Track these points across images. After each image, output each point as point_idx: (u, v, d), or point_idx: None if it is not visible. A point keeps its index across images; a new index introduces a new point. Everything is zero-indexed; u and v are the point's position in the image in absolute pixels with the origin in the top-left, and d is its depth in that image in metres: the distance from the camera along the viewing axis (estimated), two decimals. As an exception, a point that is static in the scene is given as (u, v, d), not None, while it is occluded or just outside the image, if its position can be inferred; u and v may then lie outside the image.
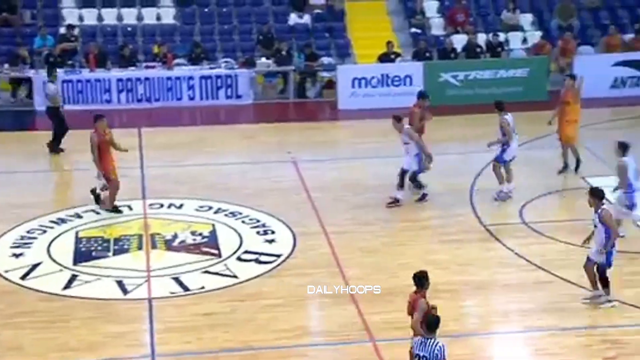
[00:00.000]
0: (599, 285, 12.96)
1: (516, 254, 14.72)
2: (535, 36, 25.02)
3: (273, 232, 15.75)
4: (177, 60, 23.92)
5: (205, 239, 15.53)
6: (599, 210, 12.76)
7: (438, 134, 19.81)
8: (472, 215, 16.29)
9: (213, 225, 16.01)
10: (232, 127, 22.25)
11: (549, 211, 16.53)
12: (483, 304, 13.33)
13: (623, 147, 14.83)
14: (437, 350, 9.72)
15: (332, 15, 26.11)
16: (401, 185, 16.54)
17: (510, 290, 13.66)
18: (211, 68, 23.62)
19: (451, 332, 12.38)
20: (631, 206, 14.76)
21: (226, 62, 23.89)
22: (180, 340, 12.35)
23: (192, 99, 23.36)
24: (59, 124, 19.92)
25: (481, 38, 24.63)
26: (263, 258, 14.80)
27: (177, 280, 14.09)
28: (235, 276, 14.21)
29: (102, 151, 16.23)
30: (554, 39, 24.57)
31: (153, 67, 23.43)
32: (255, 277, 14.19)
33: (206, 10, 26.32)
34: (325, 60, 24.38)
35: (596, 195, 12.90)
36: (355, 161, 19.39)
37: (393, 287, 13.68)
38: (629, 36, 24.64)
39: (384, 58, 23.78)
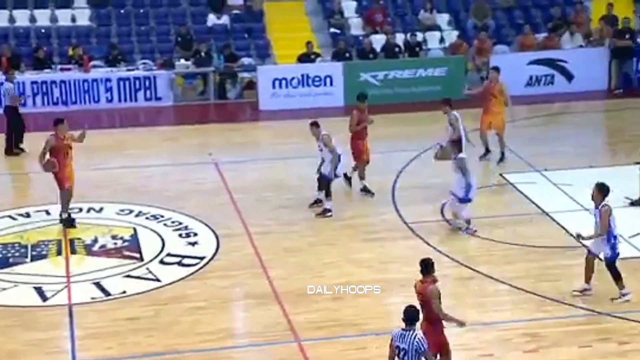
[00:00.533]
0: (615, 282, 12.99)
1: (438, 251, 14.82)
2: (452, 36, 25.33)
3: (195, 235, 15.57)
4: (93, 62, 23.53)
5: (126, 243, 15.28)
6: (600, 207, 12.81)
7: None
8: (395, 214, 16.37)
9: (134, 228, 15.76)
10: (152, 129, 21.99)
11: (468, 208, 16.67)
12: (406, 301, 13.31)
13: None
14: (417, 341, 9.74)
15: (251, 16, 26.01)
16: (327, 194, 16.25)
17: (433, 286, 13.72)
18: (129, 70, 23.30)
19: (375, 329, 12.45)
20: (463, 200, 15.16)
21: (144, 63, 23.60)
22: (102, 346, 12.11)
23: (110, 101, 23.01)
24: (17, 124, 19.75)
25: (399, 38, 24.82)
26: (186, 261, 14.63)
27: (98, 285, 13.82)
28: (157, 280, 14.01)
29: (59, 156, 15.48)
30: (470, 39, 24.91)
31: (69, 69, 22.99)
32: (178, 280, 14.01)
33: (122, 11, 25.95)
34: (245, 60, 24.26)
35: (601, 190, 12.92)
36: (277, 162, 19.34)
37: (318, 286, 13.67)
38: (543, 35, 25.09)
39: (304, 58, 23.78)
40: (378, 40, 24.71)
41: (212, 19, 25.67)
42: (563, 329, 12.31)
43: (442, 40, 25.45)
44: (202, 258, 14.71)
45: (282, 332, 12.49)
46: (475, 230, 15.30)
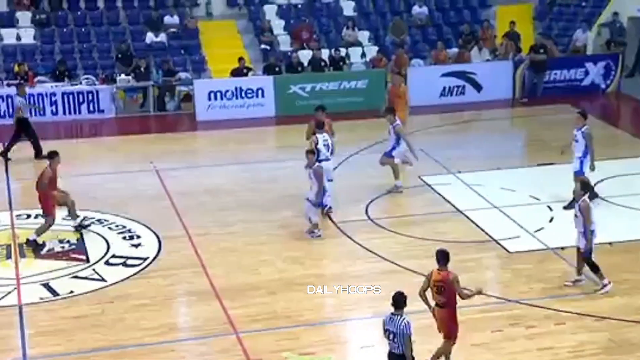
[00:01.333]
0: (591, 273, 13.08)
1: (364, 247, 14.88)
2: (372, 51, 25.49)
3: (139, 237, 15.37)
4: (39, 78, 23.07)
5: (73, 246, 15.01)
6: (580, 201, 12.89)
7: (291, 140, 19.96)
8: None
9: (81, 232, 15.47)
10: (95, 140, 21.67)
11: (391, 208, 16.81)
12: (336, 294, 13.41)
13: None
14: (403, 326, 9.85)
15: (187, 34, 25.80)
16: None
17: (360, 280, 13.78)
18: (72, 85, 22.92)
19: (308, 321, 12.46)
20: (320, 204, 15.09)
21: (87, 79, 23.24)
22: (51, 343, 11.88)
23: (55, 114, 22.59)
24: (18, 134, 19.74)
25: (325, 53, 24.85)
26: (130, 262, 14.42)
27: (46, 286, 13.54)
28: (103, 280, 13.78)
29: (52, 185, 15.11)
30: (389, 54, 25.10)
31: (14, 84, 22.47)
32: (123, 280, 13.81)
33: (65, 30, 25.52)
34: (183, 75, 24.05)
35: (583, 187, 13.02)
36: (215, 168, 19.19)
37: (254, 282, 13.63)
38: (454, 50, 25.44)
39: (237, 72, 23.67)
40: (305, 55, 24.74)
41: (150, 37, 25.39)
42: (478, 316, 12.46)
43: (363, 55, 25.60)
44: (145, 259, 14.52)
45: (221, 325, 12.41)
46: (320, 235, 15.09)
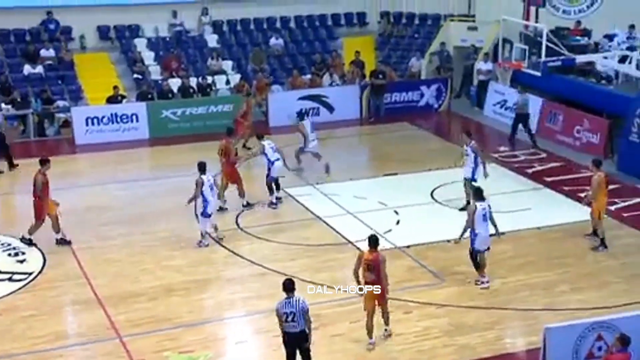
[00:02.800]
0: (475, 269, 13.40)
1: (235, 254, 14.79)
2: (235, 78, 25.45)
3: (24, 253, 14.72)
4: None
5: (-40, 265, 14.19)
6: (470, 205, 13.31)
7: (167, 160, 19.77)
8: (198, 225, 16.12)
9: (-24, 250, 14.70)
10: (-22, 165, 20.57)
11: (258, 217, 16.77)
12: (213, 297, 13.27)
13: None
14: (302, 302, 10.16)
15: (63, 65, 24.93)
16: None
17: (234, 283, 13.71)
18: (-46, 114, 21.65)
19: (187, 322, 12.27)
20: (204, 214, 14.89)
21: (-32, 108, 22.06)
22: (-58, 357, 11.19)
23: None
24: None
25: (193, 81, 24.60)
26: (16, 277, 13.78)
27: None
28: (-10, 294, 13.10)
29: (45, 190, 14.90)
30: (250, 80, 25.11)
31: None
32: (10, 294, 13.17)
33: (-55, 62, 24.16)
34: (61, 103, 23.23)
35: (476, 194, 13.32)
36: (95, 187, 18.60)
37: (136, 290, 13.30)
38: (308, 76, 25.73)
39: (112, 100, 23.07)
40: (175, 83, 24.39)
41: (27, 69, 24.37)
42: (338, 309, 12.62)
43: (228, 82, 25.52)
44: (30, 273, 13.91)
45: (105, 331, 12.05)
46: (207, 244, 15.01)
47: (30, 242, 14.99)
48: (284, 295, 10.30)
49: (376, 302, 11.46)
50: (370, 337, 11.57)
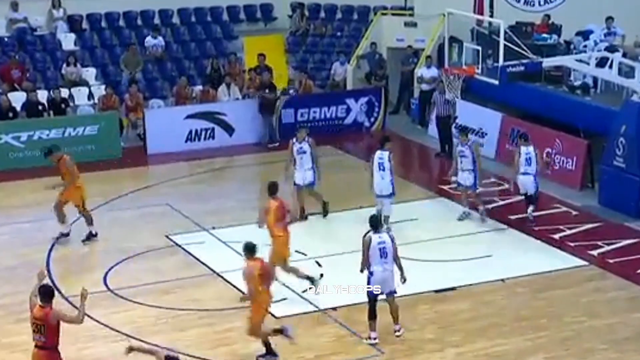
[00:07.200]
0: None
1: (103, 324, 14.47)
2: (101, 90, 25.11)
3: None
4: None
5: None
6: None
7: (7, 201, 19.63)
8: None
9: None
10: None
11: (134, 275, 16.48)
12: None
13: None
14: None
15: None
16: None
17: (101, 364, 13.42)
18: None
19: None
20: None
21: None
22: None
23: None
24: None
25: (42, 95, 24.20)
26: None
27: None
28: None
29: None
30: (122, 92, 24.84)
31: None
32: None
33: None
34: None
35: (371, 223, 13.82)
36: None
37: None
38: (198, 87, 25.58)
39: None
40: (18, 98, 23.98)
41: None
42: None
43: (91, 95, 25.17)
44: None
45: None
46: None
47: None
48: None
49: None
50: None
